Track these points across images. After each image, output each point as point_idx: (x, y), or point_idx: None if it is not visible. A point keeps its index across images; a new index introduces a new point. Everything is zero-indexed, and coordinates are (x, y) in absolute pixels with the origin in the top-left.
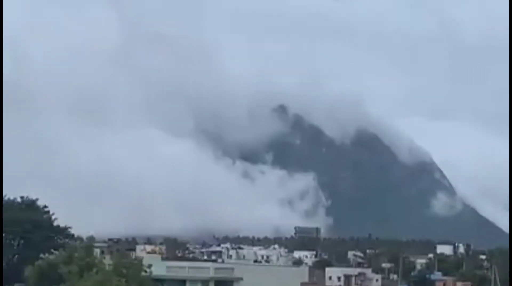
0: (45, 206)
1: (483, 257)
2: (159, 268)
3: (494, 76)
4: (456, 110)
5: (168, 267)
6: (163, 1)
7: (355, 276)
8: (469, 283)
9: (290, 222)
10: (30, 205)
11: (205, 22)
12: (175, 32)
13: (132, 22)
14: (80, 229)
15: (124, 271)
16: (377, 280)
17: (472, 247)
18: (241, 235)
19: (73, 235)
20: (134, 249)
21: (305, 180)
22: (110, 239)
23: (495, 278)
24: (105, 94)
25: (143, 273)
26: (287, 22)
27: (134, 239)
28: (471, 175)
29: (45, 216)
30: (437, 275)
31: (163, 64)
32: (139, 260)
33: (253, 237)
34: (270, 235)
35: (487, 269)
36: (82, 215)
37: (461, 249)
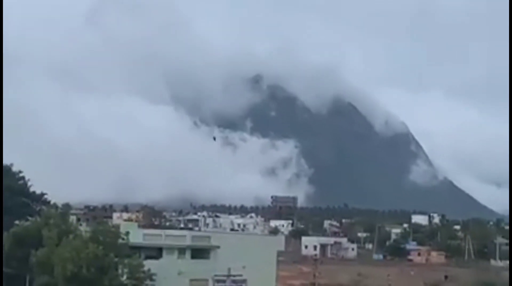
0: (20, 172)
1: (457, 227)
2: (136, 235)
3: (471, 50)
4: (433, 83)
5: (144, 234)
6: None
7: (331, 245)
8: (443, 252)
9: (270, 190)
10: (4, 171)
11: None
12: None
13: None
14: (56, 196)
15: (101, 238)
16: (352, 249)
17: (446, 217)
18: (218, 204)
19: (49, 202)
20: (111, 217)
21: (284, 149)
22: (86, 207)
23: (468, 248)
24: (80, 61)
25: (120, 241)
26: None
27: (111, 206)
28: (447, 147)
29: (20, 182)
30: (412, 244)
31: (138, 30)
32: (116, 228)
33: (230, 206)
34: (251, 203)
35: (461, 239)
36: (58, 182)
37: (436, 219)
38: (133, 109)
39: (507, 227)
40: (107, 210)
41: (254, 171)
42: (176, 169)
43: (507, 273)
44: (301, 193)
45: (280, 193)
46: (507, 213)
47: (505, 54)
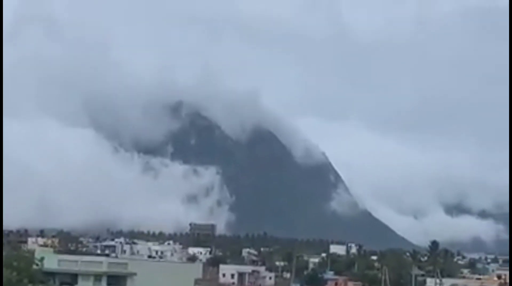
0: None
1: (374, 257)
2: (51, 261)
3: (389, 80)
4: (351, 112)
5: (60, 260)
6: None
7: (249, 273)
8: (359, 283)
9: (192, 217)
10: None
11: (102, 10)
12: (70, 17)
13: (23, 2)
14: None
15: (15, 263)
16: (270, 278)
17: (364, 247)
18: (136, 230)
19: None
20: (26, 242)
21: (205, 176)
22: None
23: (385, 278)
24: None
25: (34, 266)
26: (186, 17)
27: (26, 231)
28: (366, 177)
29: None
30: (329, 274)
31: (57, 53)
32: (31, 253)
33: (148, 232)
34: (172, 230)
35: (378, 269)
36: None
37: (354, 249)
38: (51, 132)
39: (423, 258)
40: (22, 235)
41: (175, 197)
42: (94, 194)
43: None
44: (222, 221)
45: (202, 221)
46: (423, 244)
47: (424, 84)
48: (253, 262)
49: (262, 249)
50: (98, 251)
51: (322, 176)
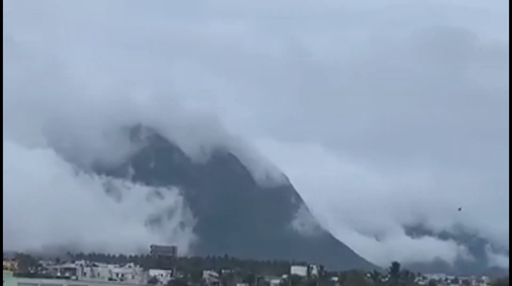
0: None
1: (335, 278)
2: (11, 284)
3: (348, 102)
4: (311, 134)
5: (20, 283)
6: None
7: None
8: None
9: (154, 239)
10: None
11: (61, 32)
12: (28, 39)
13: None
14: None
15: None
16: None
17: (325, 268)
18: (97, 253)
19: None
20: None
21: (167, 199)
22: None
23: None
24: None
25: None
26: (144, 40)
27: None
28: (327, 199)
29: None
30: None
31: (15, 72)
32: None
33: (109, 255)
34: (134, 253)
35: None
36: None
37: (315, 270)
38: (9, 154)
39: (384, 279)
40: None
41: (136, 219)
42: (54, 216)
43: None
44: (183, 243)
45: (163, 243)
46: (384, 265)
47: (383, 107)
48: (214, 284)
49: (223, 271)
50: (58, 274)
51: (283, 197)
